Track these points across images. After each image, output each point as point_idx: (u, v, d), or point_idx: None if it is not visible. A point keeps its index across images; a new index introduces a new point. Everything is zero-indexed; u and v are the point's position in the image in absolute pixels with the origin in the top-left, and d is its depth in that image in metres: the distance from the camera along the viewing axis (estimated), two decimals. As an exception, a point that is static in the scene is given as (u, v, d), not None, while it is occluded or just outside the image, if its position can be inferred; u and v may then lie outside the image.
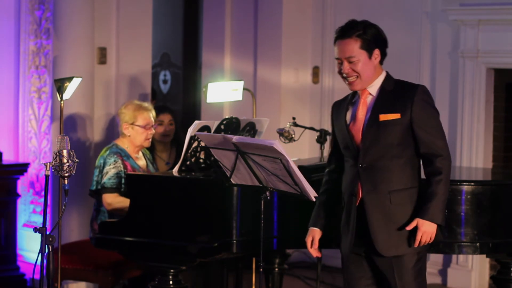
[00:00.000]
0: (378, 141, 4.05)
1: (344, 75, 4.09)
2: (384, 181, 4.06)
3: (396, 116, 4.03)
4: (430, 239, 4.03)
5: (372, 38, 4.08)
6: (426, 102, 4.07)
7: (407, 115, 4.03)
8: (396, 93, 4.09)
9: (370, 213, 4.07)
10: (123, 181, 5.52)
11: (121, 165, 5.55)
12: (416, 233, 4.03)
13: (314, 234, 4.26)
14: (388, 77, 4.16)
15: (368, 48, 4.07)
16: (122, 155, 5.61)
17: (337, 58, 4.11)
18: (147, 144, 5.73)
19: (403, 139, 4.05)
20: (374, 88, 4.12)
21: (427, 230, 4.00)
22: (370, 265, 4.19)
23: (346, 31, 4.08)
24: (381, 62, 4.15)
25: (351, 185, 4.13)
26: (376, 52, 4.10)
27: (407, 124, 4.04)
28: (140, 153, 5.79)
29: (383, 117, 4.04)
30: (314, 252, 4.26)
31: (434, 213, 4.00)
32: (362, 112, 4.12)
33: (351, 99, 4.21)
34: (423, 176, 4.16)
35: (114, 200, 5.50)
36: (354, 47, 4.06)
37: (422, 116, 4.04)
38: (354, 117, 4.15)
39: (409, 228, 4.02)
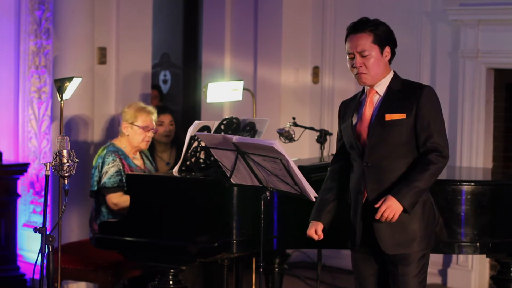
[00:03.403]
0: (384, 141, 4.08)
1: (355, 70, 4.12)
2: (388, 180, 4.08)
3: (402, 116, 4.06)
4: (393, 217, 3.99)
5: (384, 34, 4.13)
6: (431, 102, 4.09)
7: (412, 115, 4.06)
8: (403, 93, 4.12)
9: (375, 211, 4.07)
10: (124, 179, 5.51)
11: (120, 164, 5.54)
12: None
13: (317, 226, 4.25)
14: (395, 76, 4.19)
15: (380, 43, 4.11)
16: (120, 153, 5.60)
17: (349, 54, 4.13)
18: (144, 146, 5.71)
19: (408, 139, 4.07)
20: (381, 87, 4.16)
21: (392, 206, 3.98)
22: (378, 263, 4.20)
23: (359, 26, 4.12)
24: (390, 62, 4.19)
25: (357, 184, 4.16)
26: (387, 50, 4.15)
27: (412, 124, 4.07)
28: (138, 153, 5.78)
29: (388, 116, 4.07)
30: (317, 237, 4.24)
31: (405, 197, 3.98)
32: (368, 111, 4.14)
33: (359, 98, 4.23)
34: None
35: (120, 200, 5.47)
36: (366, 41, 4.10)
37: (425, 114, 4.06)
38: (360, 116, 4.17)
39: (377, 205, 4.00)
